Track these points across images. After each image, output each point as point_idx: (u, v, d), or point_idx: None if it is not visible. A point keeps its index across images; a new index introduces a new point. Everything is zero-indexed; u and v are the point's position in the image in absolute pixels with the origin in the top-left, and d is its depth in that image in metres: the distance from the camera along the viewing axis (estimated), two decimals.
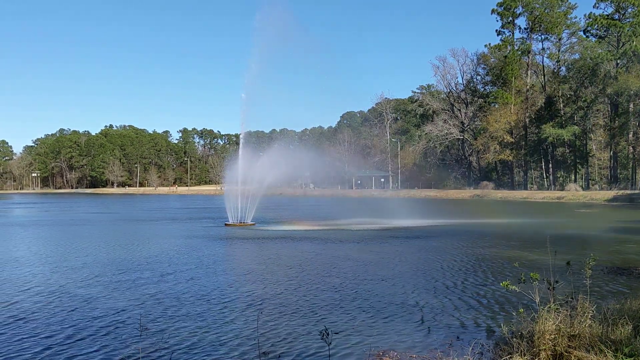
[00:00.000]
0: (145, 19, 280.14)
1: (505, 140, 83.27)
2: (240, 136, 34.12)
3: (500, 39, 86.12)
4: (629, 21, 70.48)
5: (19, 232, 27.35)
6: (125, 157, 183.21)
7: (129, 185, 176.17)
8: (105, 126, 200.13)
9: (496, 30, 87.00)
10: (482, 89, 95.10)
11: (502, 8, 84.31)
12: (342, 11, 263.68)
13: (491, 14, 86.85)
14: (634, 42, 67.86)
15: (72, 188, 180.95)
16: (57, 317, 9.50)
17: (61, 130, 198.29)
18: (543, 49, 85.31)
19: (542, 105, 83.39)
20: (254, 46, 31.77)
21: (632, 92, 64.42)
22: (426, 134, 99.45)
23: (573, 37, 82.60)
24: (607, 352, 5.89)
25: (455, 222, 30.91)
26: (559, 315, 6.33)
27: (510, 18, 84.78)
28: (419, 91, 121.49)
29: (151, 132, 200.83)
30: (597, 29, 72.97)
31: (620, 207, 48.29)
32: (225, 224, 30.20)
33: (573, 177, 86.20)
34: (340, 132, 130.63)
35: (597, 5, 73.07)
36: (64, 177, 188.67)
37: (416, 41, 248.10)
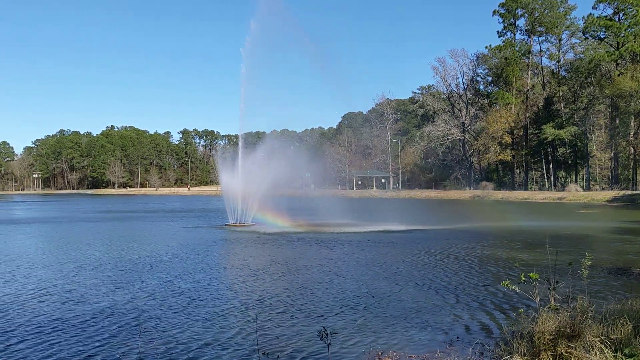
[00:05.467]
0: (145, 21, 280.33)
1: (505, 141, 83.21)
2: (239, 138, 34.06)
3: (502, 40, 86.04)
4: (628, 22, 70.28)
5: (22, 230, 27.39)
6: (126, 158, 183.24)
7: (130, 186, 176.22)
8: (107, 127, 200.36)
9: (497, 32, 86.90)
10: (483, 90, 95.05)
11: (504, 10, 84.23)
12: (342, 10, 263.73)
13: (492, 15, 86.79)
14: (633, 43, 67.74)
15: (73, 189, 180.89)
16: (56, 317, 9.50)
17: (61, 131, 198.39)
18: (541, 50, 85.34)
19: (542, 105, 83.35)
20: (250, 45, 31.55)
21: (627, 93, 64.27)
22: (427, 134, 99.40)
23: (573, 37, 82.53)
24: (607, 352, 5.88)
25: (454, 227, 30.88)
26: (559, 316, 6.32)
27: (512, 19, 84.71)
28: (419, 92, 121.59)
29: (152, 133, 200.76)
30: (595, 30, 72.75)
31: (621, 208, 48.23)
32: (226, 224, 30.24)
33: (574, 178, 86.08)
34: (341, 132, 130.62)
35: (596, 6, 72.95)
36: (65, 178, 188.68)
37: (416, 41, 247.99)
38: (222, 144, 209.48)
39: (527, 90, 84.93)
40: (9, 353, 7.61)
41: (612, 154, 75.10)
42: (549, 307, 6.48)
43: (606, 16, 72.19)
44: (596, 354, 5.86)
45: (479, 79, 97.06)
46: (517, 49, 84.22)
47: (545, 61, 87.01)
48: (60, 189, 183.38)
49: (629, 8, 69.89)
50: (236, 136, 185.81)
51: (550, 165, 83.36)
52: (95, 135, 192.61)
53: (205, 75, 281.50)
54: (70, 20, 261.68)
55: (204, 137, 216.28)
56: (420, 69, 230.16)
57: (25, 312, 9.97)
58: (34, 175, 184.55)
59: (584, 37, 77.20)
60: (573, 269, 7.16)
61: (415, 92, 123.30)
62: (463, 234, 24.48)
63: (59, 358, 7.40)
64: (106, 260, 16.54)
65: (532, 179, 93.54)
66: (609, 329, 6.43)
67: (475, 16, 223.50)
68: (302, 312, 9.80)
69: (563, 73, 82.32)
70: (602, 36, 73.41)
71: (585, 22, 73.33)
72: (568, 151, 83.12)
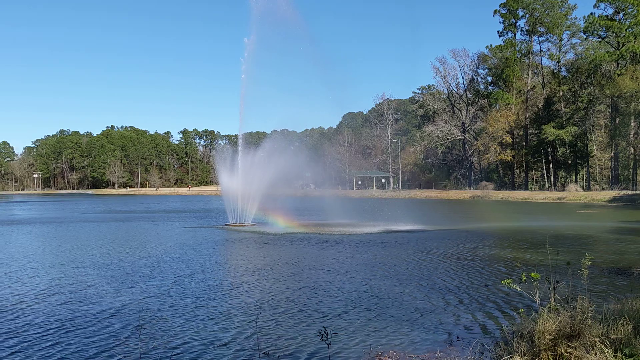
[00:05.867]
0: (145, 22, 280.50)
1: (505, 141, 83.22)
2: (239, 138, 34.00)
3: (503, 40, 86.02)
4: (629, 21, 70.23)
5: (26, 230, 27.40)
6: (127, 158, 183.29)
7: (130, 186, 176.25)
8: (107, 127, 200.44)
9: (498, 32, 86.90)
10: (484, 90, 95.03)
11: (505, 10, 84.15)
12: (343, 11, 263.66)
13: (493, 15, 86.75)
14: (633, 43, 67.70)
15: (74, 189, 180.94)
16: (57, 316, 9.51)
17: (61, 131, 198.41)
18: (542, 50, 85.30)
19: (542, 105, 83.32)
20: (250, 45, 31.44)
21: (627, 94, 64.24)
22: (427, 134, 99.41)
23: (574, 37, 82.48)
24: (607, 352, 5.88)
25: (455, 228, 30.88)
26: (559, 315, 6.32)
27: (513, 19, 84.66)
28: (419, 92, 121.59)
29: (152, 133, 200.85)
30: (596, 30, 72.71)
31: (621, 208, 48.21)
32: (226, 224, 30.24)
33: (574, 178, 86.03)
34: (341, 132, 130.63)
35: (597, 5, 72.91)
36: (65, 178, 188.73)
37: (416, 41, 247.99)
38: (222, 144, 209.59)
39: (528, 91, 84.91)
40: (6, 351, 7.61)
41: (612, 154, 75.07)
42: (549, 307, 6.48)
43: (607, 16, 72.16)
44: (596, 353, 5.86)
45: (479, 79, 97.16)
46: (517, 49, 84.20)
47: (545, 61, 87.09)
48: (60, 189, 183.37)
49: (630, 8, 69.85)
50: (236, 136, 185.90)
51: (551, 165, 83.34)
52: (95, 135, 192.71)
53: (205, 75, 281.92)
54: (70, 21, 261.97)
55: (204, 137, 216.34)
56: (420, 69, 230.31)
57: (33, 312, 9.99)
58: (34, 175, 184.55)
59: (585, 37, 77.15)
60: (573, 269, 7.15)
61: (415, 92, 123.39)
62: (464, 234, 24.47)
63: (58, 357, 7.41)
64: (109, 261, 16.55)
65: (532, 179, 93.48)
66: (609, 328, 6.43)
67: (476, 18, 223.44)
68: (302, 312, 9.79)
69: (564, 73, 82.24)
70: (602, 35, 73.31)
71: (586, 22, 73.32)
72: (568, 151, 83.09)
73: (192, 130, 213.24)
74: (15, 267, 15.34)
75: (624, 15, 71.24)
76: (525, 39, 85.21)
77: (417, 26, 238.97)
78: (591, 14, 72.99)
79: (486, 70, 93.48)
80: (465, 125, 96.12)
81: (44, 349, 7.78)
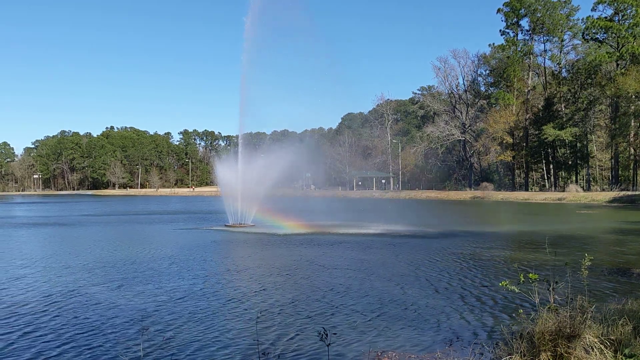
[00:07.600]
0: (145, 22, 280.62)
1: (505, 142, 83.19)
2: (239, 138, 33.96)
3: (505, 39, 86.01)
4: (628, 22, 70.25)
5: (36, 232, 27.41)
6: (127, 159, 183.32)
7: (131, 187, 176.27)
8: (107, 128, 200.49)
9: (500, 31, 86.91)
10: (484, 90, 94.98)
11: (509, 9, 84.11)
12: (343, 8, 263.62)
13: (497, 12, 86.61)
14: (632, 44, 67.71)
15: (74, 190, 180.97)
16: (59, 317, 9.53)
17: (62, 132, 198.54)
18: (545, 50, 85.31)
19: (542, 106, 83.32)
20: (247, 43, 31.40)
21: (630, 94, 64.20)
22: (427, 135, 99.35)
23: (575, 38, 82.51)
24: (607, 352, 5.88)
25: (455, 229, 30.86)
26: (559, 316, 6.31)
27: (515, 19, 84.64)
28: (419, 92, 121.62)
29: (152, 134, 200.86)
30: (595, 32, 72.71)
31: (622, 208, 48.17)
32: (226, 225, 30.25)
33: (574, 178, 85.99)
34: (341, 133, 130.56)
35: (595, 7, 73.03)
36: (66, 179, 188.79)
37: (416, 42, 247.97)
38: (222, 144, 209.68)
39: (528, 91, 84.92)
40: (7, 352, 7.62)
41: (612, 155, 75.04)
42: (549, 308, 6.47)
43: (606, 17, 72.19)
44: (596, 354, 5.86)
45: (479, 79, 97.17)
46: (519, 48, 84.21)
47: (547, 61, 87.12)
48: (60, 190, 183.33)
49: (629, 9, 69.87)
50: (237, 137, 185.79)
51: (551, 166, 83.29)
52: (95, 136, 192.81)
53: (205, 76, 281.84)
54: (71, 21, 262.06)
55: (205, 138, 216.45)
56: (420, 69, 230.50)
57: (26, 312, 10.01)
58: (35, 176, 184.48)
59: (585, 39, 77.14)
60: (573, 269, 7.15)
61: (415, 93, 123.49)
62: (465, 236, 24.47)
63: (60, 358, 7.44)
64: (107, 261, 16.60)
65: (533, 179, 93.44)
66: (609, 329, 6.42)
67: (477, 21, 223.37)
68: (302, 312, 9.80)
69: (564, 74, 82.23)
70: (601, 38, 73.30)
71: (585, 24, 73.33)
72: (568, 152, 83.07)
73: (192, 131, 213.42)
74: (39, 268, 15.36)
75: (622, 16, 71.26)
76: (526, 39, 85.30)
77: (417, 27, 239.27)
78: (589, 16, 73.05)
79: (487, 71, 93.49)
80: (466, 126, 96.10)
81: (43, 348, 7.81)
